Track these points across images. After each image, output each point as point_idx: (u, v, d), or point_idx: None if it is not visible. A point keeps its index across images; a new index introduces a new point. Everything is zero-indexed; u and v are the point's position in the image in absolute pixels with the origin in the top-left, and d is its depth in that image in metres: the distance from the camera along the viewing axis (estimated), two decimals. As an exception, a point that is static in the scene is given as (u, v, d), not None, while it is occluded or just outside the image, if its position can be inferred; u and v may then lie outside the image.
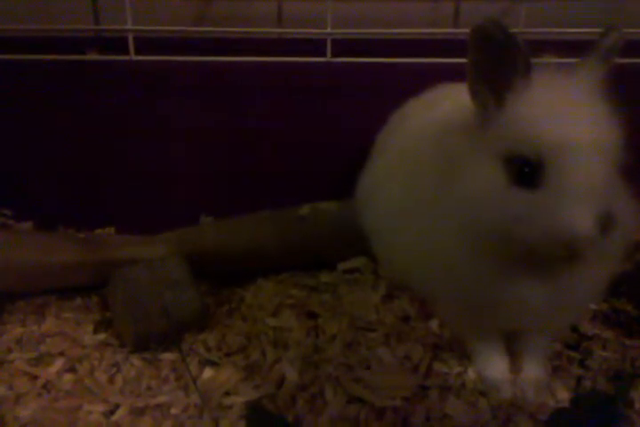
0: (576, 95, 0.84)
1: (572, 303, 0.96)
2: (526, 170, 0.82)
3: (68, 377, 1.07)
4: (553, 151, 0.80)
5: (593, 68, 0.88)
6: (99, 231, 1.47)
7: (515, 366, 1.06)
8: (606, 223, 0.79)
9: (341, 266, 1.35)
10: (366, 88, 1.38)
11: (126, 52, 1.36)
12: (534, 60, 0.84)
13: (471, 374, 1.06)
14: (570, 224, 0.79)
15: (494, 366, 1.06)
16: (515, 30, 0.90)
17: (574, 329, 1.17)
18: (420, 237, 0.99)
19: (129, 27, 1.35)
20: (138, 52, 1.37)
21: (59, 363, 1.10)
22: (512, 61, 0.83)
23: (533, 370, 1.05)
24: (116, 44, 1.37)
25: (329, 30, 1.36)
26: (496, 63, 0.83)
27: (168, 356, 1.10)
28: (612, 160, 0.82)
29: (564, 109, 0.82)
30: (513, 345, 1.08)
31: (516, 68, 0.83)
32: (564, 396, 1.02)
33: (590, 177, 0.80)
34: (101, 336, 1.17)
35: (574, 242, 0.79)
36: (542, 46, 0.88)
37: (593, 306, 1.23)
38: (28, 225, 1.46)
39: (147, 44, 1.37)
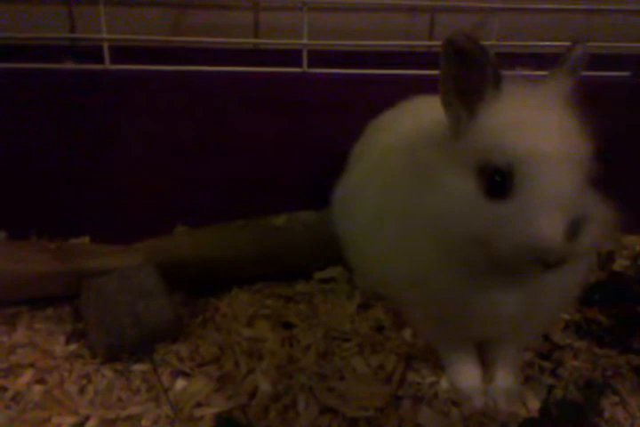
0: (545, 106, 0.86)
1: (543, 312, 0.97)
2: (497, 179, 0.83)
3: (38, 389, 1.05)
4: (522, 161, 0.81)
5: (561, 79, 0.89)
6: (73, 241, 1.45)
7: (487, 376, 1.06)
8: (575, 232, 0.79)
9: (317, 276, 1.35)
10: (342, 99, 1.39)
11: (102, 61, 1.36)
12: (505, 72, 0.85)
13: (444, 384, 1.07)
14: (537, 235, 0.79)
15: (466, 375, 1.06)
16: (487, 43, 0.91)
17: (546, 339, 1.18)
18: (392, 247, 1.00)
19: (104, 36, 1.34)
20: (114, 61, 1.37)
21: (28, 374, 1.08)
22: (482, 73, 0.84)
23: (505, 380, 1.05)
24: (93, 52, 1.37)
25: (305, 41, 1.36)
26: (467, 75, 0.85)
27: (140, 367, 1.09)
28: (581, 170, 0.83)
29: (534, 120, 0.83)
30: (485, 355, 1.09)
31: (487, 80, 0.84)
32: (535, 405, 1.02)
33: (559, 187, 0.80)
34: (73, 347, 1.15)
35: (543, 253, 0.79)
36: (515, 58, 0.89)
37: (566, 316, 1.24)
38: (1, 235, 1.44)
39: (123, 53, 1.37)
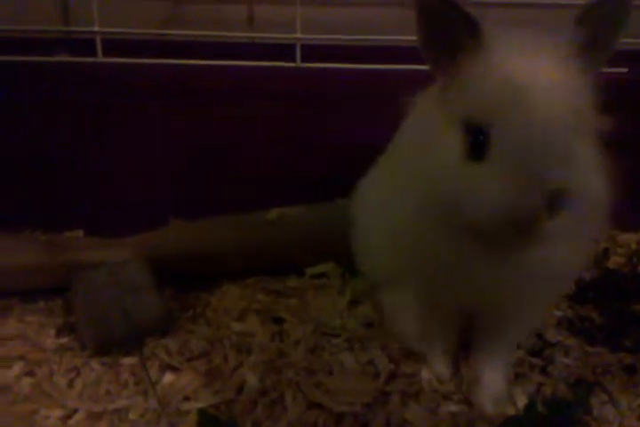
0: (536, 59, 0.78)
1: (532, 286, 0.89)
2: (477, 140, 0.77)
3: (27, 381, 1.06)
4: (499, 121, 0.75)
5: (567, 31, 0.81)
6: (67, 234, 1.45)
7: (473, 376, 1.06)
8: (557, 198, 0.74)
9: (309, 271, 1.35)
10: (335, 93, 1.38)
11: (95, 53, 1.36)
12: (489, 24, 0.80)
13: (433, 380, 1.06)
14: (512, 199, 0.74)
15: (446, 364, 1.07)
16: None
17: (538, 336, 1.18)
18: (386, 209, 0.98)
19: (96, 29, 1.34)
20: (107, 54, 1.36)
21: (18, 367, 1.08)
22: (458, 27, 0.80)
23: (492, 384, 1.03)
24: (86, 45, 1.37)
25: (298, 35, 1.36)
26: (443, 31, 0.81)
27: (128, 360, 1.09)
28: (568, 137, 0.76)
29: (515, 71, 0.76)
30: (475, 354, 1.08)
31: (464, 33, 0.80)
32: (524, 403, 1.02)
33: (538, 147, 0.74)
34: (63, 340, 1.15)
35: (517, 217, 0.74)
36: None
37: (558, 313, 1.24)
38: (-6, 227, 1.45)
39: (115, 46, 1.37)
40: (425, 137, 0.87)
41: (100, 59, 1.36)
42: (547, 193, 0.73)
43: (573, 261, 0.89)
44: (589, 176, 0.79)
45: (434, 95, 0.88)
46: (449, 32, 0.81)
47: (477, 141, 0.78)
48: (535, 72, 0.76)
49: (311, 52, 1.37)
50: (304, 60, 1.38)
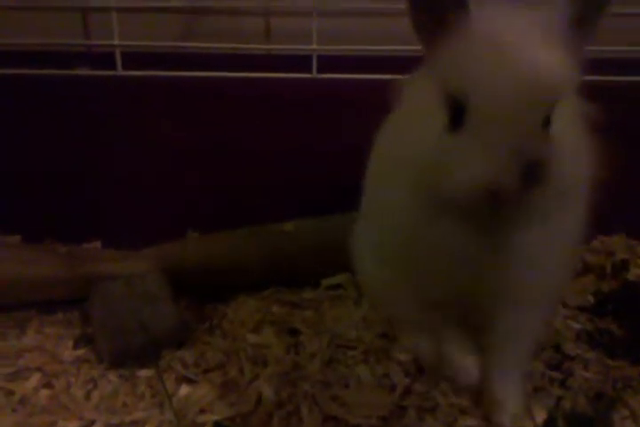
0: (518, 32, 0.76)
1: (514, 275, 0.86)
2: (459, 109, 0.75)
3: (45, 393, 1.07)
4: (474, 92, 0.74)
5: (555, 8, 0.79)
6: (85, 246, 1.47)
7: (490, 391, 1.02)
8: (532, 170, 0.71)
9: (325, 282, 1.34)
10: (351, 104, 1.38)
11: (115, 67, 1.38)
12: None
13: (450, 394, 1.05)
14: (486, 169, 0.72)
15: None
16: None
17: (557, 349, 1.16)
18: (375, 188, 0.97)
19: (116, 42, 1.36)
20: (128, 67, 1.38)
21: (35, 378, 1.09)
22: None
23: (509, 396, 1.00)
24: (107, 59, 1.38)
25: (314, 46, 1.36)
26: (431, 4, 0.79)
27: (145, 372, 1.10)
28: (552, 107, 0.75)
29: (496, 44, 0.74)
30: (486, 370, 1.02)
31: (450, 5, 0.78)
32: (543, 418, 1.00)
33: (515, 118, 0.72)
34: (80, 352, 1.16)
35: (492, 189, 0.72)
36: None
37: (577, 325, 1.23)
38: (15, 238, 1.46)
39: (136, 59, 1.38)
40: (411, 115, 0.86)
41: (120, 72, 1.38)
42: (522, 164, 0.71)
43: (553, 250, 0.86)
44: (569, 155, 0.77)
45: (420, 75, 0.87)
46: (437, 8, 0.79)
47: (456, 112, 0.76)
48: (518, 44, 0.74)
49: (328, 62, 1.38)
50: (320, 71, 1.38)
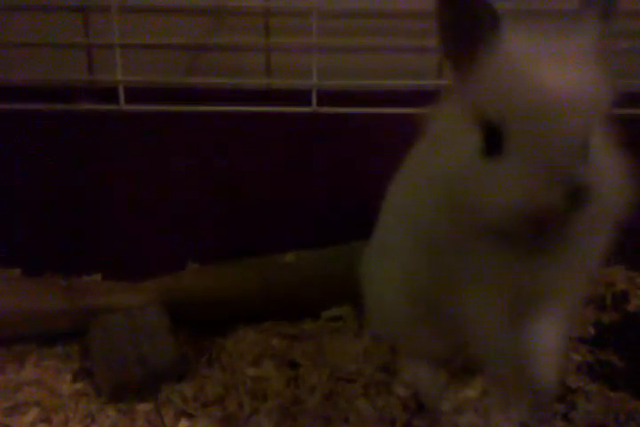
0: (553, 53, 0.76)
1: (550, 289, 0.86)
2: (492, 137, 0.75)
3: (42, 428, 1.06)
4: (514, 117, 0.73)
5: (587, 25, 0.79)
6: (86, 278, 1.47)
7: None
8: (579, 195, 0.71)
9: (325, 314, 1.34)
10: (349, 137, 1.40)
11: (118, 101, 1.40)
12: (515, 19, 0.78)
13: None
14: (532, 196, 0.71)
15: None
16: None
17: (560, 382, 1.15)
18: (400, 208, 0.98)
19: (119, 77, 1.39)
20: (130, 101, 1.40)
21: (33, 413, 1.08)
22: (477, 17, 0.77)
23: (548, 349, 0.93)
24: (110, 93, 1.41)
25: (314, 81, 1.39)
26: (461, 20, 0.77)
27: (144, 406, 1.09)
28: (591, 126, 0.75)
29: (534, 66, 0.74)
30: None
31: (482, 24, 0.77)
32: (547, 451, 1.00)
33: (558, 143, 0.72)
34: (79, 385, 1.15)
35: (538, 215, 0.72)
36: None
37: (578, 357, 1.22)
38: (15, 272, 1.46)
39: (139, 94, 1.41)
40: (441, 143, 0.85)
41: (123, 106, 1.40)
42: (566, 188, 0.70)
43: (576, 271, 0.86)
44: (608, 177, 0.77)
45: (450, 98, 0.86)
46: (468, 24, 0.77)
47: (492, 138, 0.76)
48: (553, 67, 0.74)
49: (327, 96, 1.40)
50: (320, 104, 1.41)
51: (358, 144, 1.42)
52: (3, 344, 1.24)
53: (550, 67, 0.74)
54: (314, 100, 1.41)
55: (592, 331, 1.28)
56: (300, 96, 1.41)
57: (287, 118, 1.41)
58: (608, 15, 0.81)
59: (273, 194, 1.47)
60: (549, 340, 0.93)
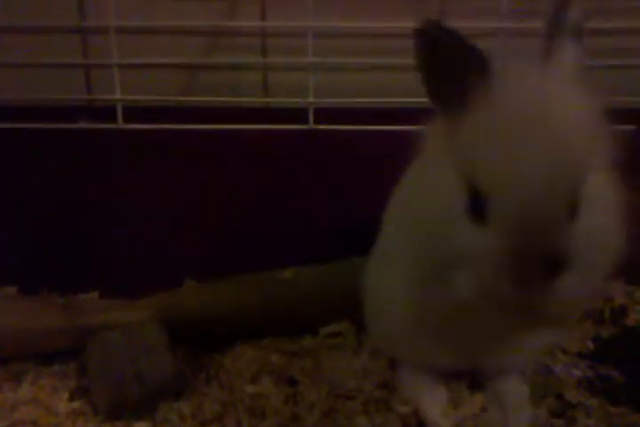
0: (543, 101, 0.71)
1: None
2: (480, 202, 0.72)
3: (39, 447, 1.05)
4: (495, 184, 0.71)
5: (565, 50, 0.77)
6: (82, 296, 1.46)
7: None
8: (557, 268, 0.70)
9: (323, 331, 1.33)
10: (348, 154, 1.42)
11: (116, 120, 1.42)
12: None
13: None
14: (509, 270, 0.70)
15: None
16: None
17: (559, 397, 1.15)
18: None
19: (118, 96, 1.40)
20: (129, 120, 1.42)
21: (30, 432, 1.07)
22: (463, 62, 0.73)
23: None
24: (110, 113, 1.43)
25: (311, 99, 1.41)
26: (447, 63, 0.73)
27: (141, 425, 1.07)
28: (572, 202, 0.72)
29: (518, 125, 0.70)
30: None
31: (470, 66, 0.73)
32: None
33: (537, 219, 0.69)
34: (76, 404, 1.14)
35: (515, 291, 0.70)
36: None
37: (578, 372, 1.21)
38: (12, 290, 1.46)
39: (137, 112, 1.42)
40: (429, 178, 0.82)
41: (121, 125, 1.42)
42: (548, 263, 0.69)
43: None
44: (602, 226, 0.75)
45: (439, 133, 0.81)
46: (453, 68, 0.73)
47: (476, 201, 0.73)
48: (538, 127, 0.70)
49: (324, 115, 1.42)
50: (317, 122, 1.42)
51: (356, 161, 1.43)
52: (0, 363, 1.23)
53: (533, 133, 0.69)
54: (311, 118, 1.42)
55: (591, 346, 1.28)
56: (297, 114, 1.43)
57: (285, 136, 1.43)
58: (578, 33, 0.78)
59: (271, 210, 1.48)
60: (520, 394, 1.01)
